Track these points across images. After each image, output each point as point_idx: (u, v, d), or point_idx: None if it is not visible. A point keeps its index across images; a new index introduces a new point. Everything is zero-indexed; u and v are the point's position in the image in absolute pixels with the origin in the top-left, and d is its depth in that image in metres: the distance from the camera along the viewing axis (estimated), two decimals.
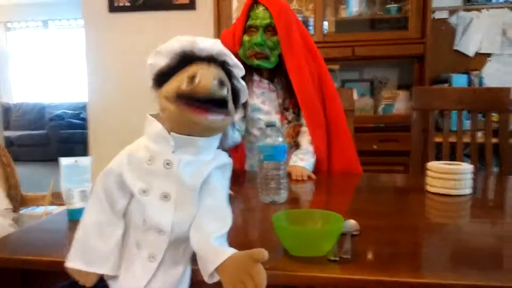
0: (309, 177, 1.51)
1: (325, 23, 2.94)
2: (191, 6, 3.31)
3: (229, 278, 0.63)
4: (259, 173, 1.22)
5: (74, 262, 0.74)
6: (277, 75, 1.66)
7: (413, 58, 2.86)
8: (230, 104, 0.74)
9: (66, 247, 0.88)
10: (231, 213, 0.76)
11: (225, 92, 0.72)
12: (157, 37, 3.38)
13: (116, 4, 3.40)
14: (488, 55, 3.03)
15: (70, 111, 6.99)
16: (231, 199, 1.18)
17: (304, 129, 1.66)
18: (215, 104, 0.71)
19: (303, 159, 1.59)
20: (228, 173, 0.78)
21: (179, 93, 0.70)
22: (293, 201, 1.23)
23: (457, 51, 3.06)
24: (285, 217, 0.86)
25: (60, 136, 6.61)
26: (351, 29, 2.99)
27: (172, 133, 0.73)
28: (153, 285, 0.72)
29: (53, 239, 0.96)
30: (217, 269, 0.66)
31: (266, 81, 1.67)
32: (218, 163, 0.74)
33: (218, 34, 2.88)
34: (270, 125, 1.21)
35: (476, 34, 3.02)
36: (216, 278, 0.67)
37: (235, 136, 1.62)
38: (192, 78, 0.70)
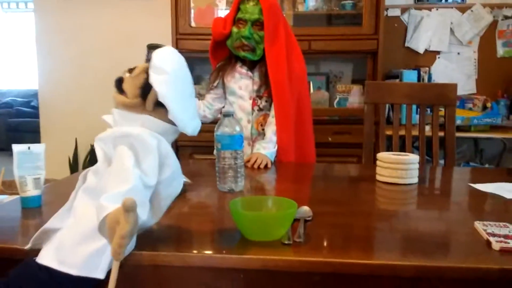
0: (265, 166, 1.56)
1: None
2: None
3: (108, 230, 0.68)
4: (217, 162, 1.23)
5: None
6: (258, 65, 1.76)
7: (366, 54, 2.95)
8: (126, 84, 0.84)
9: (20, 235, 0.87)
10: (139, 175, 0.77)
11: (127, 74, 0.85)
12: (112, 24, 3.33)
13: None
14: (437, 52, 3.17)
15: (19, 99, 6.71)
16: (187, 187, 1.20)
17: (271, 119, 1.74)
18: (116, 82, 0.85)
19: (265, 148, 1.66)
20: (136, 143, 0.79)
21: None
22: (250, 189, 1.26)
23: (408, 48, 3.18)
24: (241, 203, 0.89)
25: (8, 125, 6.33)
26: (308, 24, 3.05)
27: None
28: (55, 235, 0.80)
29: (7, 227, 0.94)
30: (102, 223, 0.70)
31: (245, 68, 1.77)
32: (124, 131, 0.80)
33: (175, 24, 2.86)
34: (227, 114, 1.22)
35: (426, 32, 3.15)
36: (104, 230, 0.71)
37: (201, 114, 1.81)
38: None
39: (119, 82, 0.84)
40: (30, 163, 1.03)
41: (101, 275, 0.74)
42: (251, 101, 1.76)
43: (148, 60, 1.28)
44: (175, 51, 0.85)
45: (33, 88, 5.66)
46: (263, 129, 1.77)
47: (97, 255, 0.75)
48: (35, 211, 1.02)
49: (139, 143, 0.78)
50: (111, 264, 0.72)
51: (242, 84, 1.78)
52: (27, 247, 0.79)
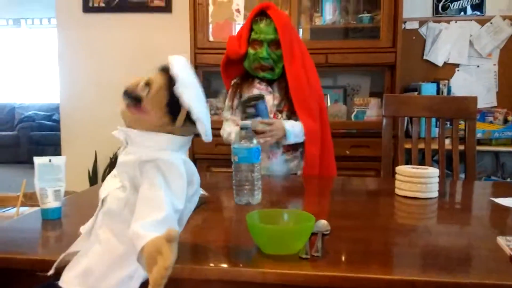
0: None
1: (300, 30, 2.99)
2: (167, 9, 3.31)
3: (147, 259, 0.67)
4: (233, 175, 1.24)
5: None
6: (277, 80, 1.77)
7: (384, 67, 2.94)
8: (149, 102, 0.79)
9: (41, 246, 0.88)
10: (171, 202, 0.77)
11: (144, 92, 0.79)
12: (131, 40, 3.40)
13: (90, 5, 3.37)
14: (456, 65, 3.14)
15: (41, 113, 6.85)
16: (204, 200, 1.21)
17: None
18: (132, 101, 0.80)
19: (293, 125, 1.67)
20: (165, 168, 0.78)
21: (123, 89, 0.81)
22: (268, 202, 1.25)
23: (426, 60, 3.16)
24: (258, 217, 0.89)
25: (30, 138, 6.47)
26: (325, 37, 3.05)
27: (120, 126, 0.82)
28: (75, 258, 0.79)
29: (27, 238, 0.95)
30: (141, 252, 0.69)
31: (264, 84, 1.77)
32: (148, 156, 0.77)
33: (194, 38, 2.90)
34: (244, 127, 1.23)
35: (445, 45, 3.12)
36: (142, 259, 0.70)
37: (231, 138, 1.75)
38: None
39: (137, 101, 0.79)
40: (51, 175, 1.04)
41: None
42: (272, 116, 1.75)
43: (245, 114, 1.32)
44: (185, 59, 0.84)
45: (55, 102, 5.78)
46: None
47: (128, 280, 0.76)
48: (55, 222, 1.04)
49: (168, 167, 0.77)
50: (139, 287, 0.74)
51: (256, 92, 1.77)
52: (50, 273, 0.78)
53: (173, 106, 0.78)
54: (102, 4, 3.36)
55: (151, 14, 3.34)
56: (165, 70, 0.80)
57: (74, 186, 2.34)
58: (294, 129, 1.66)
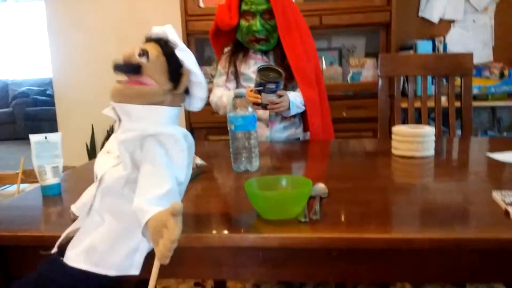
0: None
1: None
2: None
3: (152, 232, 0.69)
4: (231, 144, 1.24)
5: None
6: (273, 50, 1.72)
7: (379, 26, 2.89)
8: (149, 69, 0.77)
9: (43, 222, 0.89)
10: (174, 175, 0.77)
11: (143, 59, 0.76)
12: (121, 9, 3.33)
13: None
14: (452, 21, 3.09)
15: (35, 88, 6.79)
16: (202, 170, 1.21)
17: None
18: (131, 70, 0.77)
19: (295, 96, 1.64)
20: (167, 142, 0.77)
21: (113, 64, 0.77)
22: (266, 168, 1.26)
23: (422, 18, 3.11)
24: (256, 184, 0.89)
25: (26, 114, 6.44)
26: None
27: (112, 102, 0.79)
28: (77, 235, 0.79)
29: (29, 215, 0.96)
30: (146, 226, 0.70)
31: (260, 54, 1.73)
32: (150, 131, 0.76)
33: (184, 5, 2.83)
34: (239, 96, 1.22)
35: (440, 0, 3.07)
36: (148, 233, 0.71)
37: (223, 102, 1.72)
38: None
39: (137, 69, 0.76)
40: (48, 152, 1.05)
41: (136, 272, 0.77)
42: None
43: (262, 87, 1.32)
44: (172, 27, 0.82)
45: (48, 77, 5.72)
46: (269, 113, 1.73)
47: (133, 253, 0.77)
48: (55, 198, 1.05)
49: (170, 141, 0.77)
50: (143, 258, 0.76)
51: (252, 63, 1.74)
52: (54, 251, 0.79)
53: (174, 71, 0.78)
54: None
55: None
56: (154, 39, 0.79)
57: (72, 160, 2.35)
58: (296, 100, 1.64)
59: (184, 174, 0.79)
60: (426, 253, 0.77)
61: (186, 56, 0.79)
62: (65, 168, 1.13)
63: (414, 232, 0.77)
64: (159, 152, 0.76)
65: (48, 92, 6.59)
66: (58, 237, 0.81)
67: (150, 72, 0.77)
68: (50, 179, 1.05)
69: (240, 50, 1.75)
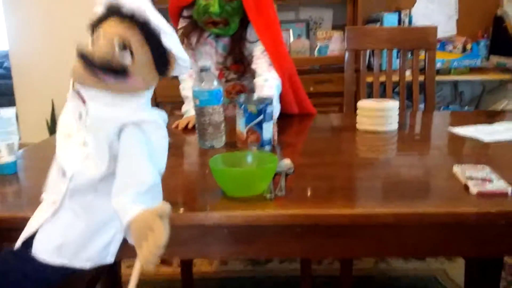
0: None
1: None
2: None
3: (136, 234, 0.64)
4: (196, 119, 1.21)
5: None
6: (231, 36, 1.50)
7: None
8: (136, 69, 0.69)
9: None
10: (156, 167, 0.73)
11: (127, 59, 0.68)
12: None
13: None
14: None
15: None
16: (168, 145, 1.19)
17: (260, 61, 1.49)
18: (114, 72, 0.67)
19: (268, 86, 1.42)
20: (148, 129, 0.72)
21: (80, 53, 0.67)
22: (232, 144, 1.24)
23: None
24: (221, 160, 0.88)
25: None
26: None
27: (77, 86, 0.71)
28: (47, 230, 0.72)
29: None
30: (128, 227, 0.66)
31: (213, 37, 1.53)
32: (134, 118, 0.70)
33: None
34: (204, 69, 1.19)
35: None
36: (130, 234, 0.67)
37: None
38: (96, 39, 0.68)
39: (123, 72, 0.67)
40: (1, 128, 0.99)
41: (111, 259, 0.74)
42: (217, 72, 1.57)
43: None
44: None
45: (4, 50, 5.45)
46: (232, 97, 1.61)
47: (106, 246, 0.73)
48: (11, 177, 1.00)
49: (153, 128, 0.71)
50: (118, 247, 0.73)
51: (207, 50, 1.55)
52: (17, 246, 0.74)
53: (160, 59, 0.71)
54: None
55: None
56: (127, 18, 0.68)
57: (32, 137, 2.27)
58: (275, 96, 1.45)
59: (165, 161, 0.75)
60: (389, 228, 0.78)
61: (172, 41, 0.70)
62: (24, 145, 1.08)
63: (377, 207, 0.79)
64: (140, 141, 0.70)
65: (5, 65, 6.29)
66: (14, 218, 0.77)
67: (136, 72, 0.69)
68: (5, 157, 1.00)
69: (195, 30, 1.52)
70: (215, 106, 1.18)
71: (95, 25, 0.70)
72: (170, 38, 0.70)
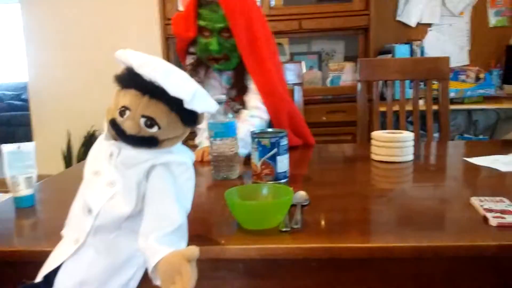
0: None
1: None
2: None
3: (164, 277, 0.64)
4: (211, 151, 1.22)
5: None
6: (235, 69, 1.53)
7: (358, 30, 2.92)
8: (165, 135, 0.72)
9: (15, 236, 0.86)
10: (183, 208, 0.73)
11: (154, 130, 0.70)
12: (99, 12, 3.27)
13: None
14: (429, 25, 3.14)
15: (9, 92, 6.63)
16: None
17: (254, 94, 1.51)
18: (145, 142, 0.71)
19: (250, 123, 1.44)
20: (177, 170, 0.74)
21: (111, 121, 0.71)
22: (246, 176, 1.24)
23: (399, 21, 3.15)
24: (237, 193, 0.88)
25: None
26: (298, 2, 3.00)
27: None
28: (69, 266, 0.72)
29: (2, 228, 0.93)
30: (155, 269, 0.66)
31: (218, 73, 1.57)
32: (161, 160, 0.72)
33: (162, 9, 2.81)
34: (219, 102, 1.20)
35: (417, 5, 3.11)
36: (157, 277, 0.67)
37: None
38: (122, 111, 0.70)
39: (154, 144, 0.71)
40: (21, 162, 1.01)
41: None
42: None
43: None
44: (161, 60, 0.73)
45: (23, 81, 5.60)
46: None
47: (128, 282, 0.73)
48: (28, 210, 1.01)
49: (181, 170, 0.73)
50: (138, 283, 0.72)
51: (212, 83, 1.57)
52: (38, 280, 0.73)
53: (188, 118, 0.73)
54: None
55: None
56: (149, 92, 0.69)
57: (48, 167, 2.30)
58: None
59: (191, 201, 0.76)
60: (406, 261, 0.77)
61: (195, 104, 0.70)
62: (40, 177, 1.09)
63: (394, 240, 0.77)
64: (168, 182, 0.71)
65: (23, 96, 6.44)
66: (31, 251, 0.78)
67: (166, 137, 0.72)
68: (23, 190, 1.02)
69: (202, 66, 1.56)
70: (230, 138, 1.19)
71: (119, 82, 0.73)
72: (193, 101, 0.70)
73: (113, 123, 0.71)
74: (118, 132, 0.71)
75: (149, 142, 0.70)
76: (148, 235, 0.67)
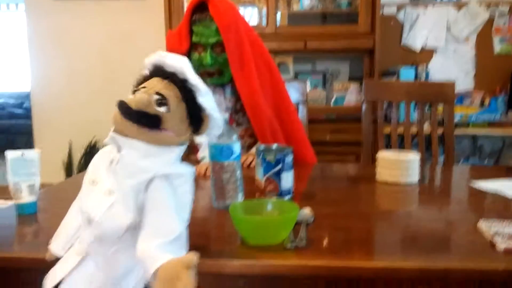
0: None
1: (278, 15, 2.96)
2: None
3: (163, 283, 0.63)
4: (211, 175, 1.08)
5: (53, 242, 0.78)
6: (230, 83, 1.56)
7: (363, 52, 2.94)
8: (170, 121, 0.71)
9: (17, 242, 0.85)
10: (182, 218, 0.72)
11: (161, 109, 0.70)
12: (104, 24, 3.31)
13: None
14: (434, 49, 3.16)
15: (11, 101, 6.65)
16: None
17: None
18: (148, 119, 0.70)
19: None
20: (176, 182, 0.73)
21: (119, 102, 0.70)
22: (250, 192, 1.23)
23: (404, 46, 3.18)
24: (241, 207, 0.87)
25: (1, 127, 6.28)
26: (303, 22, 3.03)
27: (113, 133, 0.72)
28: (72, 279, 0.72)
29: (3, 235, 0.92)
30: (155, 276, 0.65)
31: (212, 87, 1.56)
32: (164, 171, 0.71)
33: (169, 23, 2.83)
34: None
35: (422, 29, 3.14)
36: (155, 282, 0.66)
37: None
38: (137, 91, 0.72)
39: (156, 121, 0.71)
40: (24, 169, 1.00)
41: None
42: (228, 118, 1.59)
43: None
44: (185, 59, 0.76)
45: (25, 90, 5.63)
46: (245, 141, 1.62)
47: None
48: (31, 217, 1.00)
49: (181, 182, 0.73)
50: None
51: (215, 99, 1.57)
52: None
53: (194, 116, 0.74)
54: None
55: (123, 0, 3.25)
56: (168, 76, 0.73)
57: (48, 176, 2.29)
58: None
59: (189, 213, 0.75)
60: (411, 282, 0.76)
61: (207, 101, 0.73)
62: (41, 186, 1.09)
63: (399, 261, 0.76)
64: (168, 193, 0.70)
65: (25, 105, 6.46)
66: (32, 258, 0.77)
67: (170, 124, 0.71)
68: (26, 197, 1.01)
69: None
70: (233, 162, 1.06)
71: (139, 84, 0.74)
72: (205, 97, 0.74)
73: (121, 103, 0.70)
74: (123, 111, 0.69)
75: (152, 121, 0.70)
76: (146, 243, 0.67)
